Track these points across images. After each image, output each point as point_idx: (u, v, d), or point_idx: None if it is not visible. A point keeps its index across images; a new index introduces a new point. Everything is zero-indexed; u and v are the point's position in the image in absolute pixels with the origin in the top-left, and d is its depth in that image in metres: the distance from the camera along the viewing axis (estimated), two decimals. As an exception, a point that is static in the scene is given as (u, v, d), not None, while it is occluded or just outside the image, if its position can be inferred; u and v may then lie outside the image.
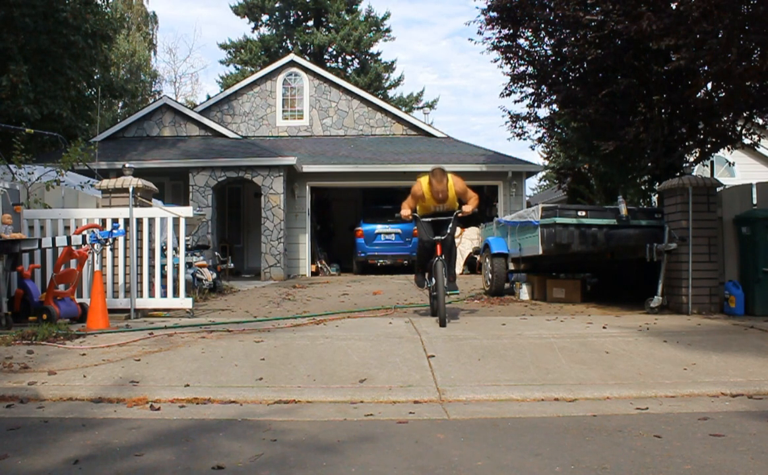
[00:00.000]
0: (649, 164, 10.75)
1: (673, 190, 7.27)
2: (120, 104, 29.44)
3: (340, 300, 8.95)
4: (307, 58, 26.30)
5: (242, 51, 31.11)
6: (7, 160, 8.13)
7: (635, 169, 11.72)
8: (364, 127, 19.19)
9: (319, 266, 17.08)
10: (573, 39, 10.04)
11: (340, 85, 19.36)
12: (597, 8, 9.09)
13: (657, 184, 9.99)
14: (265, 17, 31.67)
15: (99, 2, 17.76)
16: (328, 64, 29.87)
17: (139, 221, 7.00)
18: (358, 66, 31.45)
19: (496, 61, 12.33)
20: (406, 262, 16.67)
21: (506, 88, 11.97)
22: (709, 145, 10.39)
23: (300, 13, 31.30)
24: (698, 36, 8.16)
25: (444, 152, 17.54)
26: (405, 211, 6.31)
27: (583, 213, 7.52)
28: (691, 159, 11.09)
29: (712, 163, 13.66)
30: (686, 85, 9.57)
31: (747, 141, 10.78)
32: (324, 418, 3.49)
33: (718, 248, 7.16)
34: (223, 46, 32.01)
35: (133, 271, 6.90)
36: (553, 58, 11.09)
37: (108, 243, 6.44)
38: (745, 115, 10.04)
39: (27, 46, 15.31)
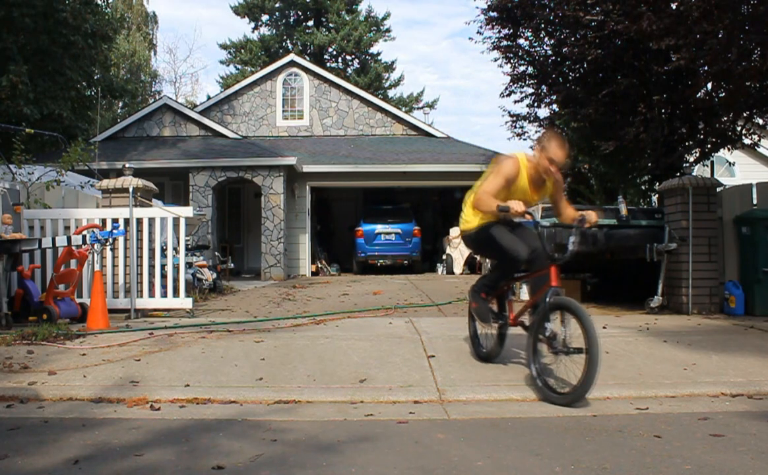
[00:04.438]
0: (649, 164, 10.74)
1: (673, 190, 7.27)
2: (120, 104, 29.45)
3: (340, 300, 8.95)
4: (307, 58, 26.30)
5: (242, 51, 31.12)
6: (7, 160, 8.13)
7: (635, 169, 11.71)
8: (364, 127, 19.19)
9: (319, 266, 17.08)
10: (573, 39, 10.04)
11: (340, 85, 19.36)
12: (597, 8, 9.08)
13: (657, 184, 9.99)
14: (265, 17, 31.68)
15: (99, 2, 17.76)
16: (328, 64, 29.87)
17: (139, 221, 7.00)
18: (358, 66, 31.45)
19: (496, 60, 12.34)
20: (406, 262, 16.68)
21: (506, 88, 11.96)
22: (709, 145, 10.39)
23: (300, 13, 31.30)
24: (698, 36, 8.16)
25: (444, 152, 17.55)
26: (518, 206, 3.83)
27: (583, 213, 7.51)
28: (691, 159, 11.09)
29: (712, 163, 13.65)
30: (686, 85, 9.56)
31: (747, 141, 10.77)
32: (324, 418, 3.49)
33: (718, 248, 7.16)
34: (223, 46, 32.03)
35: (133, 271, 6.90)
36: (553, 58, 11.08)
37: (108, 243, 6.44)
38: (745, 115, 10.04)
39: (27, 46, 15.31)
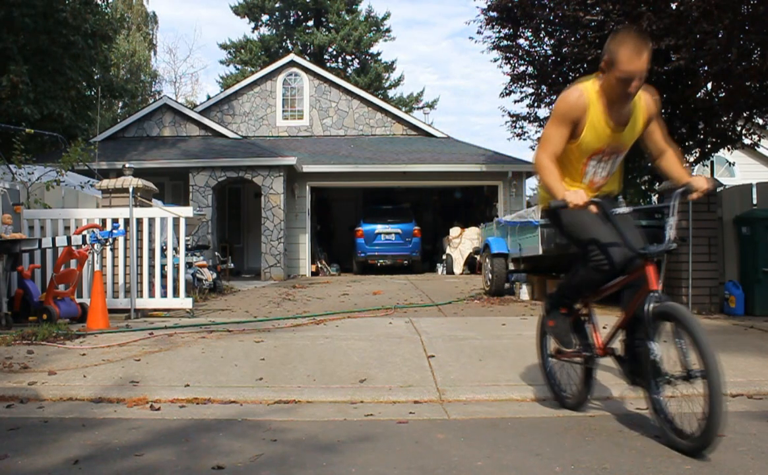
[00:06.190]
0: (649, 164, 10.75)
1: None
2: (120, 104, 29.46)
3: (340, 300, 8.95)
4: (307, 58, 26.30)
5: (242, 51, 31.14)
6: (7, 160, 8.13)
7: (635, 170, 11.72)
8: (364, 127, 19.20)
9: (319, 266, 17.09)
10: (573, 39, 10.05)
11: (340, 85, 19.37)
12: (597, 8, 9.09)
13: (657, 184, 9.99)
14: (265, 17, 31.70)
15: (99, 2, 17.77)
16: (328, 64, 29.88)
17: (139, 221, 7.01)
18: (358, 66, 31.46)
19: (496, 60, 12.37)
20: (406, 262, 16.69)
21: (506, 88, 11.98)
22: (709, 145, 10.40)
23: (300, 13, 31.31)
24: (698, 36, 8.17)
25: (444, 152, 17.56)
26: (577, 198, 2.81)
27: (583, 213, 7.50)
28: (691, 159, 11.10)
29: (712, 163, 13.67)
30: (686, 85, 9.57)
31: (747, 141, 10.79)
32: (324, 418, 3.49)
33: (718, 248, 7.16)
34: (223, 46, 32.05)
35: (133, 271, 6.90)
36: (553, 58, 11.09)
37: (108, 243, 6.44)
38: (745, 115, 10.05)
39: (27, 46, 15.31)
